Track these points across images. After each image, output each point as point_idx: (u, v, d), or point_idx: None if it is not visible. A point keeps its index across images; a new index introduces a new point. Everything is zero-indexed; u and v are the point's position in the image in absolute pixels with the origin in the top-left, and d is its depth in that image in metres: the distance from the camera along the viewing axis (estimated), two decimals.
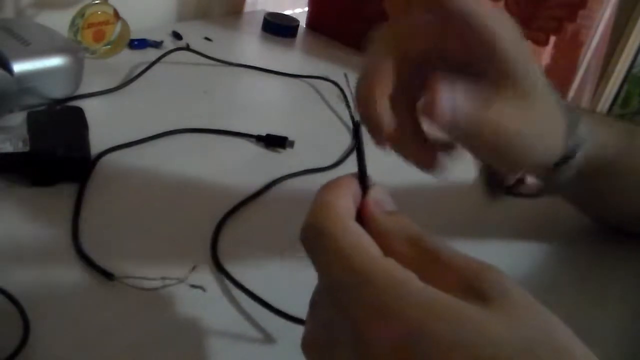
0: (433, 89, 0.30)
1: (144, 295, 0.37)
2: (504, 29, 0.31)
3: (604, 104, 1.45)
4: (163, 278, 0.38)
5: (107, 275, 0.38)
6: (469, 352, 0.21)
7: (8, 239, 0.40)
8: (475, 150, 0.37)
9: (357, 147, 0.30)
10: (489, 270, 0.24)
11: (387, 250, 0.26)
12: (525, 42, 0.34)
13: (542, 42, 0.83)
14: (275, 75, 0.73)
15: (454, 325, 0.22)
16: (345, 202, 0.27)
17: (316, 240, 0.26)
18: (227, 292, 0.40)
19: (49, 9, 0.68)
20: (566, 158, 0.40)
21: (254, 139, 0.58)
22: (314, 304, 0.28)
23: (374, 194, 0.29)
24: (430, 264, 0.25)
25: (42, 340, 0.33)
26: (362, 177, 0.30)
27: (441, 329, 0.22)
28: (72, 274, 0.39)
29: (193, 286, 0.38)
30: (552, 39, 0.82)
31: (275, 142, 0.58)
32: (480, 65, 0.32)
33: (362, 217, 0.28)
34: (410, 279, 0.23)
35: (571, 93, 0.87)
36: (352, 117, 0.30)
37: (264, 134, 0.58)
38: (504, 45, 0.31)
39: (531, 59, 0.34)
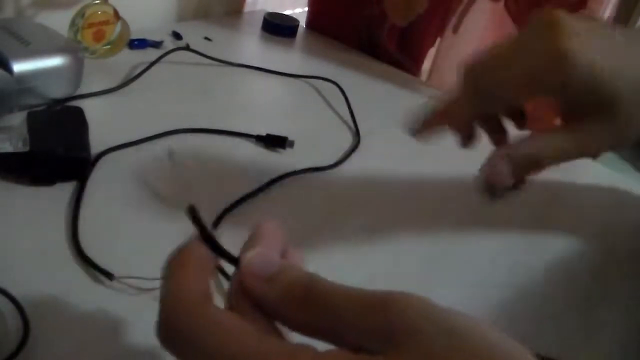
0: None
1: (144, 295, 0.37)
2: (625, 89, 0.36)
3: None
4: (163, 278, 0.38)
5: (107, 275, 0.38)
6: None
7: (8, 238, 0.40)
8: None
9: (203, 235, 0.26)
10: (392, 306, 0.22)
11: (280, 317, 0.24)
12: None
13: None
14: (275, 75, 0.73)
15: None
16: (196, 283, 0.24)
17: (181, 343, 0.23)
18: (227, 292, 0.40)
19: (49, 9, 0.68)
20: None
21: (254, 139, 0.58)
22: None
23: (247, 264, 0.25)
24: (331, 322, 0.23)
25: (42, 340, 0.33)
26: (226, 257, 0.26)
27: None
28: (71, 274, 0.39)
29: None
30: None
31: (275, 142, 0.58)
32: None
33: (246, 293, 0.25)
34: (298, 354, 0.21)
35: None
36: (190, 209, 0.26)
37: (264, 134, 0.58)
38: (623, 109, 0.36)
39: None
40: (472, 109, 0.41)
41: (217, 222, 0.46)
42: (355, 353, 0.21)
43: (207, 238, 0.26)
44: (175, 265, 0.25)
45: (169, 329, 0.23)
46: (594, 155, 0.40)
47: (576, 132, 0.38)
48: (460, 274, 0.47)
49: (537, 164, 0.38)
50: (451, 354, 0.20)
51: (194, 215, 0.25)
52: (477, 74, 0.39)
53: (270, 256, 0.26)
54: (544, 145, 0.38)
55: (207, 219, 0.46)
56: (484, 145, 0.44)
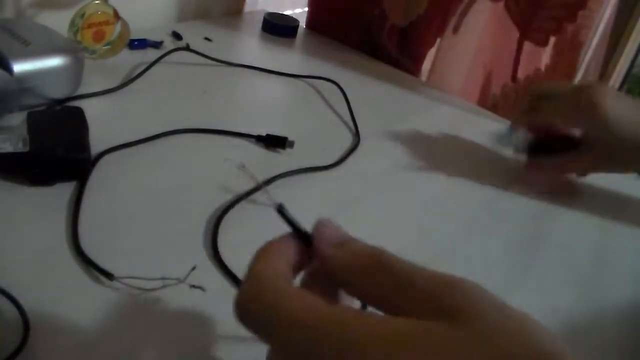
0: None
1: (144, 295, 0.37)
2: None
3: None
4: (163, 278, 0.38)
5: (107, 275, 0.38)
6: None
7: (8, 238, 0.40)
8: None
9: (286, 219, 0.29)
10: (456, 283, 0.24)
11: (344, 282, 0.26)
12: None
13: (542, 43, 0.83)
14: (275, 75, 0.73)
15: (421, 353, 0.22)
16: (276, 267, 0.26)
17: (258, 315, 0.25)
18: (227, 292, 0.40)
19: (49, 9, 0.68)
20: None
21: (254, 139, 0.58)
22: None
23: (318, 234, 0.28)
24: (393, 291, 0.25)
25: (42, 340, 0.33)
26: (300, 235, 0.28)
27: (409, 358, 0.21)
28: (72, 274, 0.39)
29: (193, 286, 0.38)
30: (552, 39, 0.82)
31: (275, 142, 0.58)
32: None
33: (318, 259, 0.27)
34: (362, 320, 0.23)
35: None
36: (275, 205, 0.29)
37: (264, 134, 0.58)
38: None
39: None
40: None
41: (217, 222, 0.46)
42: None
43: (296, 231, 0.28)
44: (261, 253, 0.27)
45: (249, 303, 0.25)
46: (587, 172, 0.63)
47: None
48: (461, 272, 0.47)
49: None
50: (506, 334, 0.22)
51: (281, 211, 0.28)
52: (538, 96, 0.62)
53: (339, 228, 0.28)
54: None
55: (208, 219, 0.46)
56: (479, 151, 0.44)
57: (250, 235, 0.46)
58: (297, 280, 0.29)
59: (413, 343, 0.22)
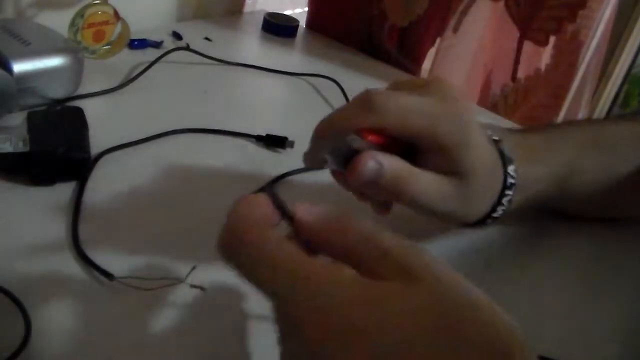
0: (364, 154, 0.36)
1: (144, 295, 0.37)
2: (444, 126, 0.37)
3: (604, 104, 1.45)
4: (163, 278, 0.38)
5: (107, 275, 0.38)
6: (394, 329, 0.23)
7: (8, 238, 0.40)
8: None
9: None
10: (415, 248, 0.26)
11: (321, 245, 0.27)
12: (468, 128, 0.39)
13: (542, 42, 0.83)
14: (275, 75, 0.73)
15: (378, 308, 0.24)
16: (261, 211, 0.28)
17: (239, 252, 0.26)
18: (228, 292, 0.40)
19: (49, 9, 0.68)
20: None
21: (254, 139, 0.58)
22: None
23: (298, 205, 0.29)
24: (360, 250, 0.26)
25: (44, 340, 0.33)
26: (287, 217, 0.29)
27: (368, 315, 0.23)
28: (72, 274, 0.39)
29: (193, 286, 0.38)
30: (552, 39, 0.82)
31: (275, 142, 0.58)
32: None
33: (294, 226, 0.28)
34: (337, 273, 0.25)
35: (571, 93, 0.87)
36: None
37: (264, 134, 0.58)
38: (443, 141, 0.38)
39: (475, 144, 0.39)
40: None
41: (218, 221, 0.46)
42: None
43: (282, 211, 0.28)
44: (242, 199, 0.28)
45: (233, 240, 0.27)
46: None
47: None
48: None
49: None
50: (461, 305, 0.24)
51: (272, 194, 0.29)
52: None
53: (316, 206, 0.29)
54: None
55: (208, 219, 0.46)
56: None
57: None
58: None
59: (370, 299, 0.24)
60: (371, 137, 0.37)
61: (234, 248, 0.27)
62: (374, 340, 0.23)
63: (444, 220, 0.43)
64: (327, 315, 0.24)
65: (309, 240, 0.28)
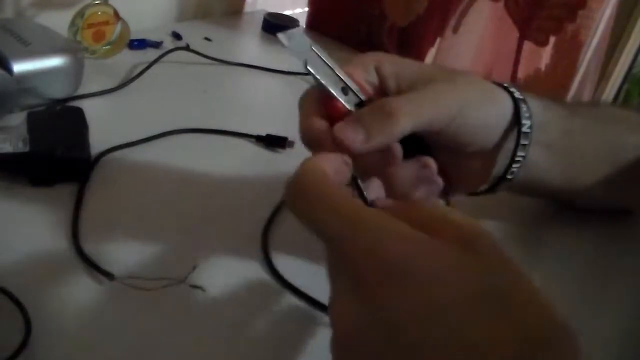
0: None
1: (144, 295, 0.37)
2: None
3: None
4: (163, 278, 0.38)
5: (107, 275, 0.38)
6: (445, 284, 0.24)
7: (8, 239, 0.40)
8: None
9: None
10: (486, 230, 0.27)
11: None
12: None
13: (542, 42, 0.83)
14: (275, 75, 0.73)
15: (433, 263, 0.25)
16: (331, 165, 0.29)
17: (305, 196, 0.28)
18: (228, 292, 0.40)
19: (49, 9, 0.68)
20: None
21: (254, 139, 0.58)
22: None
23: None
24: (424, 219, 0.27)
25: (44, 340, 0.33)
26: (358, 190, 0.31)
27: (423, 265, 0.24)
28: (72, 274, 0.39)
29: (193, 286, 0.38)
30: (552, 39, 0.82)
31: (275, 142, 0.58)
32: None
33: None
34: (398, 223, 0.26)
35: (571, 93, 0.87)
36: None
37: (264, 134, 0.58)
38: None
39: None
40: None
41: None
42: None
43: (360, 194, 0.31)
44: (319, 154, 0.32)
45: (299, 186, 0.28)
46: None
47: None
48: None
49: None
50: (506, 276, 0.25)
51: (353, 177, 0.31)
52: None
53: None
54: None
55: (207, 219, 0.46)
56: None
57: None
58: None
59: (429, 252, 0.25)
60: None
61: (301, 192, 0.28)
62: (425, 290, 0.24)
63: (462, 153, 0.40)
64: (384, 262, 0.25)
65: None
